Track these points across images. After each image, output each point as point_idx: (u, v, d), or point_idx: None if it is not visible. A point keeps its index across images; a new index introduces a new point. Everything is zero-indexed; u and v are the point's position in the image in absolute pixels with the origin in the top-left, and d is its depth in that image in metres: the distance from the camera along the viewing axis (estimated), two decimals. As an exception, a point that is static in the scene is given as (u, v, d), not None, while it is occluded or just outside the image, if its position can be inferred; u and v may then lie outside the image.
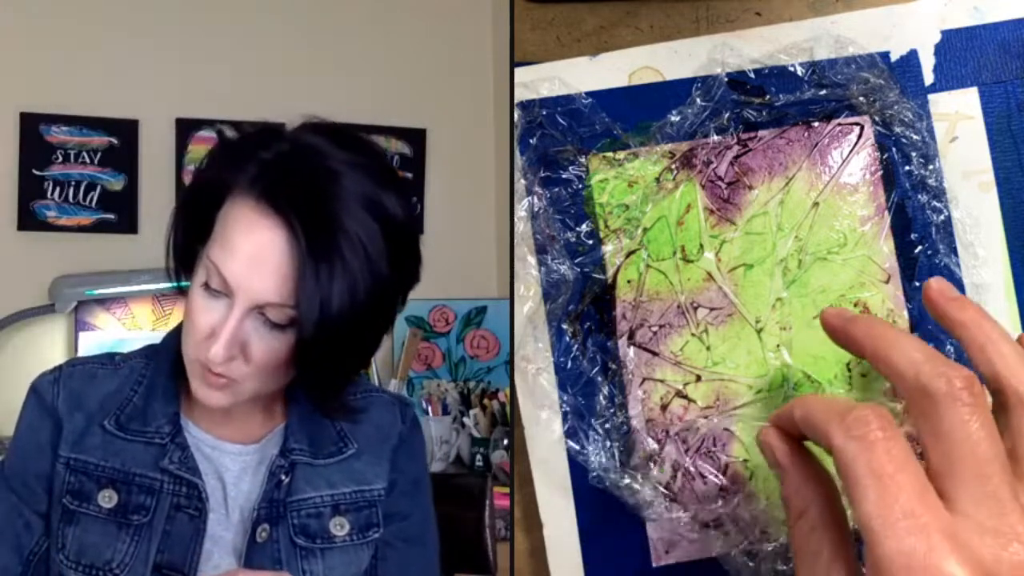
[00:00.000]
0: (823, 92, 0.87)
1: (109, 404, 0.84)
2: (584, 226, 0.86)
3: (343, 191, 0.77)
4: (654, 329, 0.86)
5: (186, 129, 2.01)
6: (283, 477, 0.85)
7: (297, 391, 0.88)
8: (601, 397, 0.85)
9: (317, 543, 0.85)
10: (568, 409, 0.84)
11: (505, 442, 1.83)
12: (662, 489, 0.85)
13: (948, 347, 0.86)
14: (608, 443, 0.84)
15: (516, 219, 0.86)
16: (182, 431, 0.83)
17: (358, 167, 0.78)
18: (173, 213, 0.83)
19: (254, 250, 0.75)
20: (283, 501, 0.84)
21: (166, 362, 0.88)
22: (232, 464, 0.85)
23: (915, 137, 0.86)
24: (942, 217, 0.87)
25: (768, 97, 0.86)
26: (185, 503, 0.82)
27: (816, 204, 0.87)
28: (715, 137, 0.86)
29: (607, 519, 0.83)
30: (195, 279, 0.80)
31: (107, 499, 0.81)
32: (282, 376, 0.81)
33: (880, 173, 0.87)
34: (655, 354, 0.86)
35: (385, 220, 0.79)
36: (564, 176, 0.86)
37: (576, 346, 0.85)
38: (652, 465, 0.85)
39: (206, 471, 0.84)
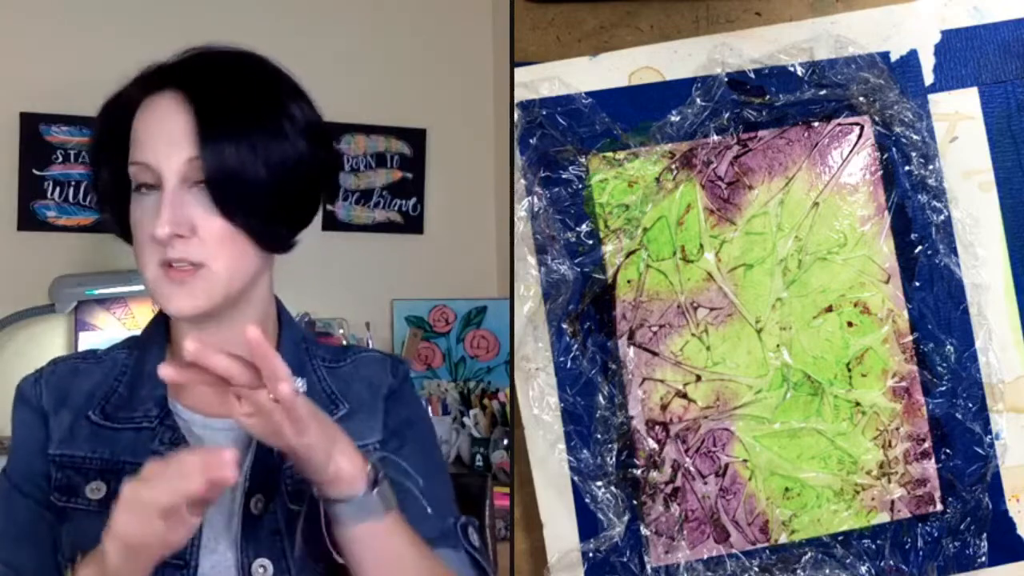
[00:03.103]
0: (823, 92, 0.87)
1: (94, 396, 0.84)
2: (584, 226, 0.86)
3: (225, 64, 0.84)
4: (654, 329, 0.86)
5: (186, 129, 2.00)
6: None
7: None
8: (601, 397, 0.85)
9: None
10: (568, 409, 0.84)
11: (505, 442, 1.83)
12: (662, 489, 0.85)
13: (948, 347, 0.87)
14: (608, 443, 0.84)
15: (516, 219, 0.86)
16: (171, 413, 0.82)
17: (235, 56, 0.86)
18: (90, 162, 0.86)
19: (158, 126, 0.79)
20: (275, 470, 0.83)
21: (150, 348, 0.87)
22: (224, 441, 0.84)
23: (915, 137, 0.87)
24: (942, 217, 0.87)
25: (768, 97, 0.87)
26: None
27: (816, 204, 0.87)
28: (715, 137, 0.86)
29: (606, 519, 0.83)
30: (133, 200, 0.80)
31: (95, 491, 0.80)
32: (246, 252, 0.81)
33: (880, 173, 0.87)
34: (655, 354, 0.86)
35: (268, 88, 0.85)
36: (564, 176, 0.86)
37: (576, 346, 0.85)
38: (652, 465, 0.85)
39: None
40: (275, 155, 0.80)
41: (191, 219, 0.77)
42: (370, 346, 1.95)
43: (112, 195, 0.82)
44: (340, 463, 0.72)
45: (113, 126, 0.82)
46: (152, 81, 0.81)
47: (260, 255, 0.82)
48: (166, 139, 0.78)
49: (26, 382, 0.88)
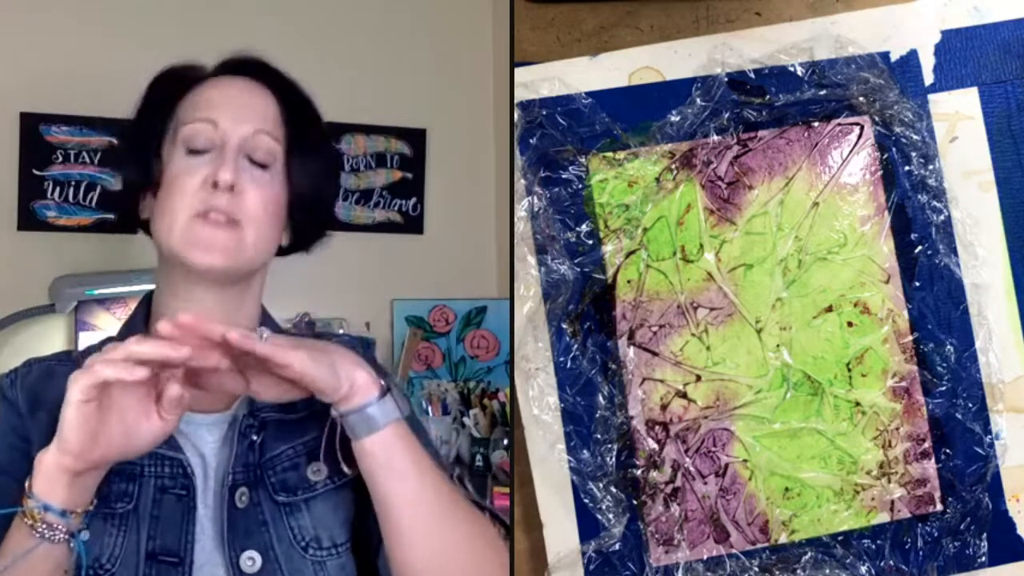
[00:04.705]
0: (823, 92, 0.87)
1: None
2: (584, 226, 0.86)
3: (279, 70, 0.88)
4: (654, 329, 0.86)
5: (186, 129, 2.00)
6: (254, 437, 0.84)
7: None
8: (601, 397, 0.85)
9: (299, 495, 0.83)
10: (568, 409, 0.84)
11: (505, 442, 1.83)
12: (662, 489, 0.85)
13: (948, 347, 0.86)
14: (608, 443, 0.84)
15: (516, 219, 0.86)
16: None
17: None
18: (133, 122, 0.89)
19: (238, 96, 0.84)
20: (258, 463, 0.83)
21: None
22: (209, 435, 0.84)
23: (915, 137, 0.87)
24: (942, 217, 0.87)
25: (768, 97, 0.87)
26: (169, 484, 0.81)
27: (816, 204, 0.87)
28: (715, 137, 0.86)
29: (606, 519, 0.83)
30: (173, 158, 0.83)
31: None
32: (272, 237, 0.85)
33: (880, 173, 0.87)
34: (655, 354, 0.86)
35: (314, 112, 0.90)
36: (564, 176, 0.86)
37: (576, 346, 0.85)
38: (652, 465, 0.85)
39: (186, 448, 0.83)
40: (331, 155, 0.90)
41: (240, 183, 0.81)
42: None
43: (146, 161, 0.84)
44: (353, 374, 0.74)
45: (166, 96, 0.86)
46: (225, 68, 0.87)
47: (275, 246, 0.86)
48: (243, 107, 0.82)
49: (5, 379, 0.87)
